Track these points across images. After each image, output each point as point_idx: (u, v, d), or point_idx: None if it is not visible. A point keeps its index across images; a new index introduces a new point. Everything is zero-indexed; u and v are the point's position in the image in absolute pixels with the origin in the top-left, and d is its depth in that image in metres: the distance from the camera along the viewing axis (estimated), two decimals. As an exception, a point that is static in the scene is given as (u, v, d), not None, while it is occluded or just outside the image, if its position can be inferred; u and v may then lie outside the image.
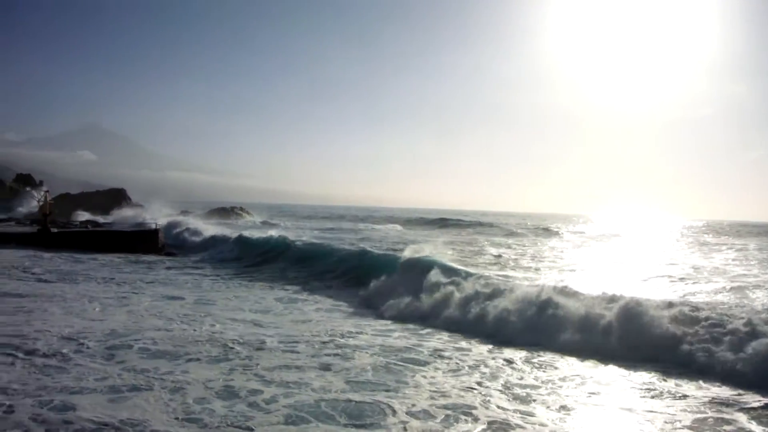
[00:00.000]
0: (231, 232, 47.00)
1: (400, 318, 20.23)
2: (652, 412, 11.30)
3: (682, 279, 29.90)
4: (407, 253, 28.84)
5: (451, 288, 21.49)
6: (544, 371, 14.05)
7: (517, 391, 12.43)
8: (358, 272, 28.58)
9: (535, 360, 15.00)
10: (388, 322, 19.73)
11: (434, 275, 23.09)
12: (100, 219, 69.43)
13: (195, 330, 17.19)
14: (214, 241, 45.48)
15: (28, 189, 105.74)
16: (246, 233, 44.62)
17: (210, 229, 51.56)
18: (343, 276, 29.56)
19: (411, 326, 18.97)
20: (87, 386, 11.81)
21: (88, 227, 54.44)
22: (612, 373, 13.92)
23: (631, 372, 13.88)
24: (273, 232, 43.91)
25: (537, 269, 34.19)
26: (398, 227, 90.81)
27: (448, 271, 24.20)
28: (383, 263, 28.28)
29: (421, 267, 25.14)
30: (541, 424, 10.58)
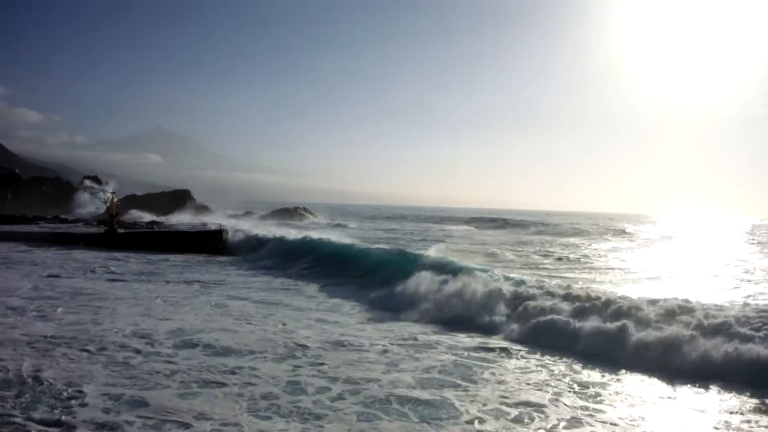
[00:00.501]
0: (297, 233, 47.08)
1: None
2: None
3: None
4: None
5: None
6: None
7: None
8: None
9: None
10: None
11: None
12: (163, 219, 70.58)
13: (260, 328, 17.41)
14: (279, 242, 45.59)
15: (84, 189, 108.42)
16: (312, 234, 44.56)
17: (275, 230, 51.84)
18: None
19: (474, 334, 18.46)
20: (158, 382, 12.14)
21: (154, 228, 55.64)
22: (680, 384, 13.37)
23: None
24: (333, 235, 43.79)
25: (624, 271, 33.44)
26: (472, 228, 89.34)
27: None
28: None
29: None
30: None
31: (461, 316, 19.81)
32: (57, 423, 9.78)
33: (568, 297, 19.54)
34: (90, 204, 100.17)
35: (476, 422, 10.35)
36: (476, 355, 15.10)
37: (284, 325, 18.17)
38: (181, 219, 72.50)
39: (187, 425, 9.93)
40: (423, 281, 23.62)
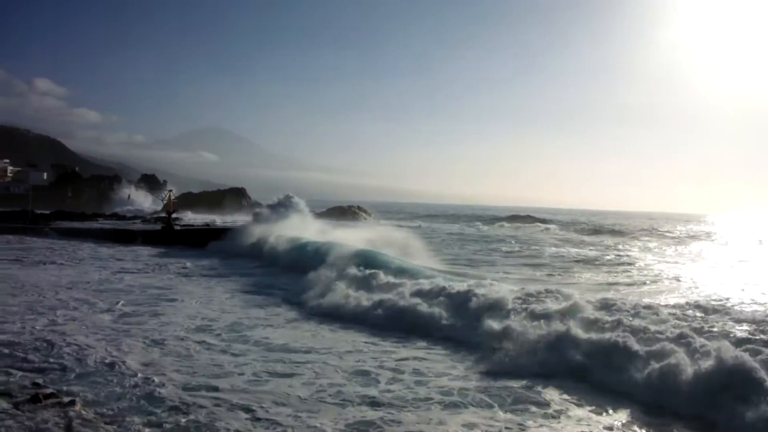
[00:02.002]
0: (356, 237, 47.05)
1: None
2: None
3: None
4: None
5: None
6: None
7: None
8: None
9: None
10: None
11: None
12: (217, 219, 71.66)
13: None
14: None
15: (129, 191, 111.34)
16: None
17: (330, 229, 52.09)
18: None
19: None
20: (229, 371, 12.63)
21: (209, 225, 56.68)
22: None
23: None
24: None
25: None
26: (570, 233, 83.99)
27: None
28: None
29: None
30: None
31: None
32: (134, 409, 10.26)
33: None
34: (126, 203, 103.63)
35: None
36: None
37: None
38: (236, 218, 73.57)
39: (255, 410, 10.33)
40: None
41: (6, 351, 13.32)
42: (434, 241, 51.04)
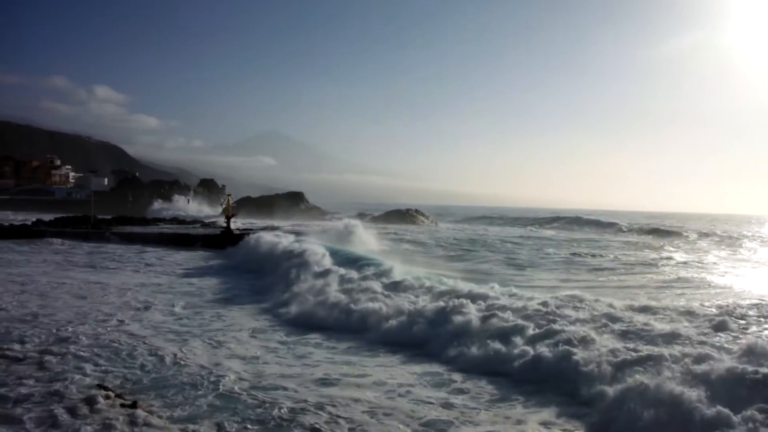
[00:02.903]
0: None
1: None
2: None
3: None
4: None
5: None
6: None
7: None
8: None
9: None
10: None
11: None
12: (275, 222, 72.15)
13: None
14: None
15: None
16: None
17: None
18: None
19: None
20: (291, 373, 12.73)
21: (267, 229, 57.00)
22: None
23: None
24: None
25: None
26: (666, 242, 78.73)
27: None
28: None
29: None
30: None
31: None
32: (206, 409, 10.45)
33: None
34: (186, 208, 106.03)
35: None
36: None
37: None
38: (295, 222, 74.01)
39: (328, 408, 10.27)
40: None
41: (74, 351, 13.64)
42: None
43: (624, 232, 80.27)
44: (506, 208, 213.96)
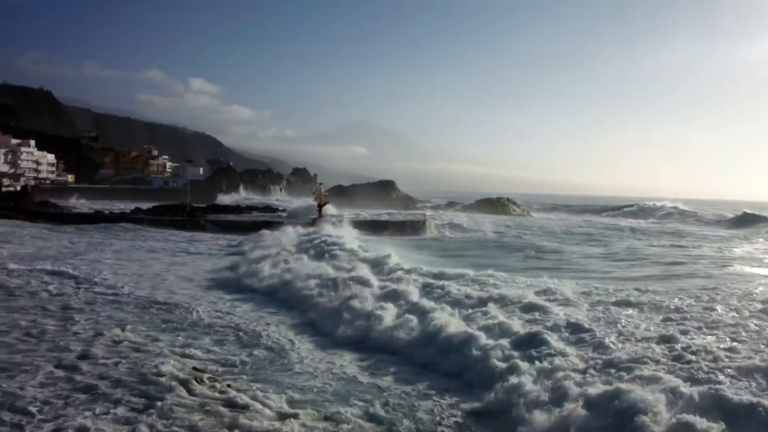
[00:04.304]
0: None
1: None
2: None
3: None
4: None
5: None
6: None
7: None
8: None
9: None
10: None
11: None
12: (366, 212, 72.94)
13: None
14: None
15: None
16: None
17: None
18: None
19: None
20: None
21: (359, 216, 57.72)
22: None
23: None
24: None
25: None
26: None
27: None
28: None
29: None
30: None
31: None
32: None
33: None
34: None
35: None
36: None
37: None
38: (386, 211, 74.57)
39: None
40: None
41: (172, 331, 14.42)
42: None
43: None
44: (594, 197, 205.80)
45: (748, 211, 79.29)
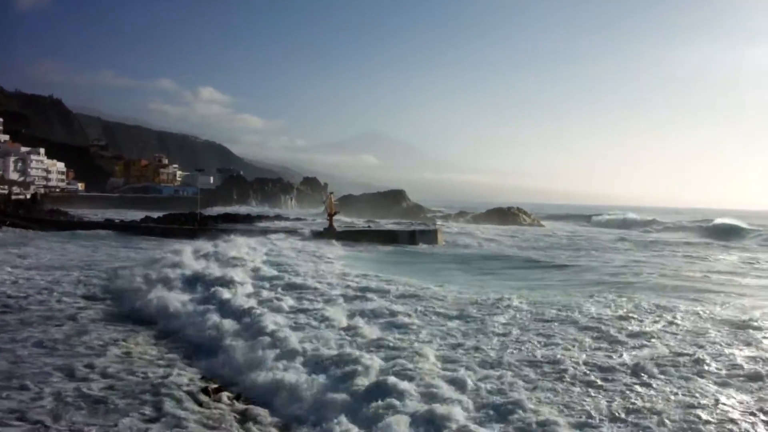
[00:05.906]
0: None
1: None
2: None
3: None
4: None
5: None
6: None
7: None
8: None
9: None
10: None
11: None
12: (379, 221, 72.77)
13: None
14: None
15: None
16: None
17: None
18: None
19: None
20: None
21: (370, 226, 57.64)
22: None
23: None
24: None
25: None
26: None
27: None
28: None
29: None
30: None
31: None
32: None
33: None
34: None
35: None
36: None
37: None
38: (398, 220, 74.55)
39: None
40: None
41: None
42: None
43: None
44: (605, 207, 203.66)
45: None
